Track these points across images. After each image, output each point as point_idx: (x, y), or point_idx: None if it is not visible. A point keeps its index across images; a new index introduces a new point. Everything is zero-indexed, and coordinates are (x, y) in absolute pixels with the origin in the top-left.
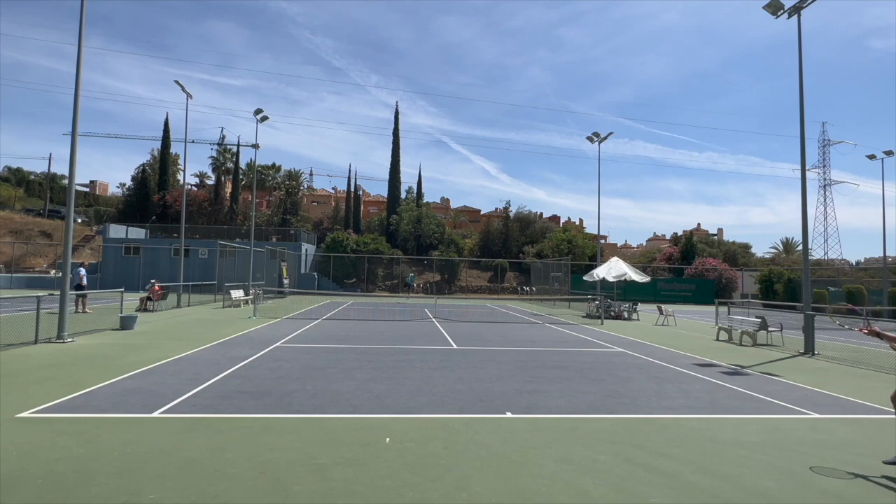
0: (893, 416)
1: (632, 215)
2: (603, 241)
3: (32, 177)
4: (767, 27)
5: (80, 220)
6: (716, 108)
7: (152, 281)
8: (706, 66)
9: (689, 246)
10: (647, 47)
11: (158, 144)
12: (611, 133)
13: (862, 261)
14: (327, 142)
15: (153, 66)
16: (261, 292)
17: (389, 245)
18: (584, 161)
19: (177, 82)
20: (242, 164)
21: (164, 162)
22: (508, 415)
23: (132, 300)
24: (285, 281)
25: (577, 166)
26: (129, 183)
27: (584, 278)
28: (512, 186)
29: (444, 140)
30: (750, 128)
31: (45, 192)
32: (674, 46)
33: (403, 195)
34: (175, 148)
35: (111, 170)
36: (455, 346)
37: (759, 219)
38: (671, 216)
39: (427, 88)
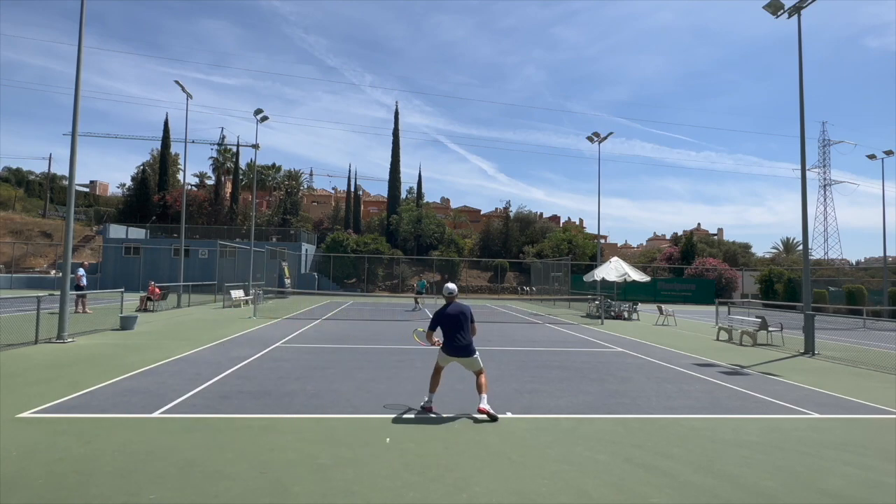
0: (894, 416)
1: (631, 215)
2: (603, 241)
3: (32, 177)
4: (763, 26)
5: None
6: (713, 107)
7: (151, 282)
8: (702, 65)
9: (689, 246)
10: (642, 46)
11: (157, 144)
12: (611, 133)
13: (862, 260)
14: (324, 141)
15: (147, 66)
16: (261, 292)
17: (389, 245)
18: (582, 161)
19: (177, 82)
20: (242, 165)
21: (164, 162)
22: (508, 415)
23: (132, 300)
24: (287, 281)
25: (575, 166)
26: (128, 183)
27: (584, 278)
28: (509, 186)
29: (441, 140)
30: (747, 127)
31: (45, 193)
32: (669, 45)
33: (404, 195)
34: (175, 148)
35: (108, 170)
36: None
37: (757, 218)
38: (670, 216)
39: (422, 88)
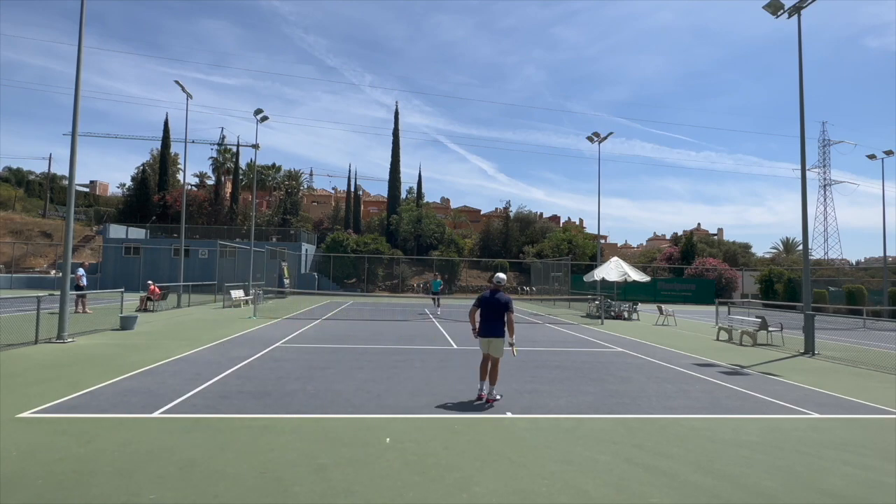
0: (894, 416)
1: (631, 215)
2: (603, 241)
3: (32, 177)
4: (763, 26)
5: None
6: (713, 107)
7: (149, 282)
8: (702, 65)
9: (690, 246)
10: (642, 46)
11: (157, 144)
12: (611, 133)
13: (862, 260)
14: (324, 141)
15: (147, 66)
16: (261, 292)
17: (389, 245)
18: (582, 161)
19: (177, 82)
20: (242, 165)
21: (164, 162)
22: (508, 415)
23: (132, 300)
24: (286, 281)
25: (575, 166)
26: (129, 183)
27: (584, 278)
28: (509, 186)
29: (441, 140)
30: (747, 127)
31: (45, 193)
32: (669, 45)
33: (404, 195)
34: (175, 148)
35: (108, 170)
36: (455, 346)
37: (757, 218)
38: (670, 216)
39: (422, 88)
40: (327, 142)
